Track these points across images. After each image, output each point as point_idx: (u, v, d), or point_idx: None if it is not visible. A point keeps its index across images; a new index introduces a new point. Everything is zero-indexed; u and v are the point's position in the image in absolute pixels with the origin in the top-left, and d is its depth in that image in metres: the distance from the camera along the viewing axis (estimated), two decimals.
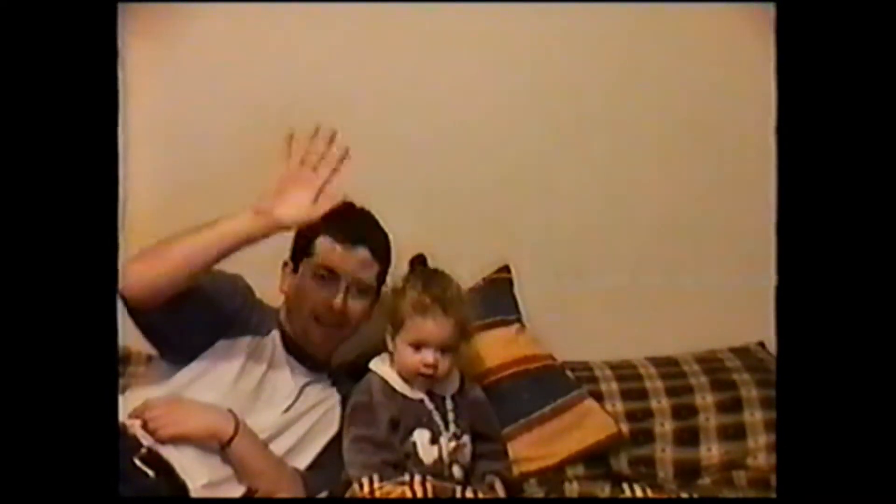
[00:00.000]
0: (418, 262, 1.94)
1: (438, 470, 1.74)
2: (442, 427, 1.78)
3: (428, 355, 1.77)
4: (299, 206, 1.67)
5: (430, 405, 1.79)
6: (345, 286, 1.84)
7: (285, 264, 1.95)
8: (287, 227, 1.72)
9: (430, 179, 2.30)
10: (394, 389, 1.79)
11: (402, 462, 1.73)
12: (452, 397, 1.82)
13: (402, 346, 1.79)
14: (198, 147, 2.23)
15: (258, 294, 1.97)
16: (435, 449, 1.76)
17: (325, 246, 1.86)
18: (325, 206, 1.68)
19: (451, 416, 1.79)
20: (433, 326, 1.77)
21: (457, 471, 1.77)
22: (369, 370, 1.84)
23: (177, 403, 1.76)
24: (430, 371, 1.77)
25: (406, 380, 1.80)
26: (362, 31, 2.26)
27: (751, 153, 1.97)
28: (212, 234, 1.68)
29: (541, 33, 2.29)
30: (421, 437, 1.76)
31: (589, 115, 2.33)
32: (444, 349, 1.78)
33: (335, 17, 2.24)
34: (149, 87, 2.21)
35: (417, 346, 1.77)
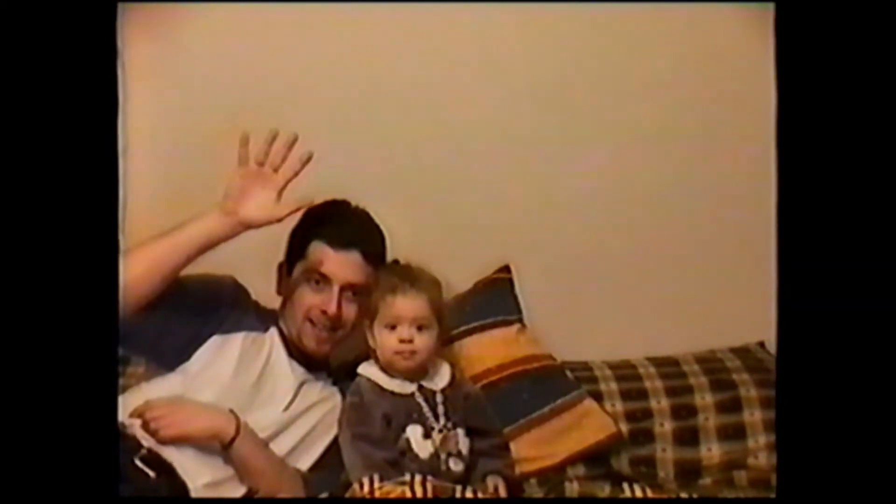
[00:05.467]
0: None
1: (435, 464, 1.74)
2: (433, 421, 1.78)
3: (403, 332, 1.78)
4: (263, 205, 1.75)
5: (419, 399, 1.79)
6: (338, 291, 1.85)
7: (280, 266, 1.95)
8: (253, 227, 1.77)
9: (430, 179, 2.30)
10: (382, 388, 1.80)
11: (399, 459, 1.73)
12: (443, 391, 1.82)
13: (380, 331, 1.80)
14: (198, 147, 2.23)
15: (254, 294, 1.98)
16: (429, 443, 1.76)
17: (317, 250, 1.87)
18: (289, 207, 1.75)
19: (440, 409, 1.79)
20: (404, 301, 1.78)
21: (454, 464, 1.76)
22: (358, 374, 1.84)
23: (178, 404, 1.76)
24: (406, 347, 1.78)
25: (393, 375, 1.80)
26: (362, 32, 2.25)
27: (751, 153, 1.97)
28: (181, 237, 1.75)
29: (540, 32, 2.29)
30: (414, 432, 1.76)
31: (588, 115, 2.33)
32: (419, 326, 1.79)
33: (336, 18, 2.23)
34: (149, 87, 2.21)
35: (393, 327, 1.78)
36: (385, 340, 1.79)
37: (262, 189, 1.75)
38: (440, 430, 1.77)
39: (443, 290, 1.88)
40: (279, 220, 1.77)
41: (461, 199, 2.32)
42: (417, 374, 1.82)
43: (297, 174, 1.75)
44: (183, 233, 1.75)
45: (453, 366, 1.90)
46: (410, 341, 1.78)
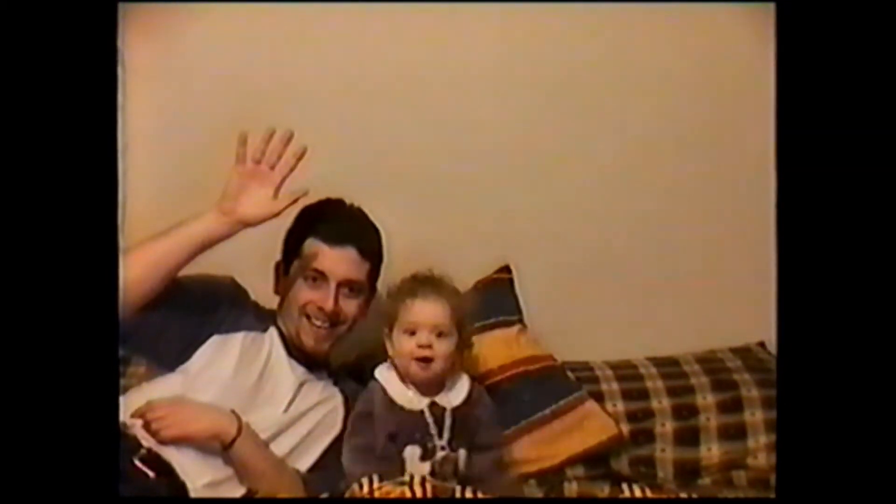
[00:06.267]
0: None
1: None
2: (437, 439, 1.75)
3: (422, 337, 1.76)
4: (260, 203, 1.76)
5: (428, 418, 1.76)
6: (334, 287, 1.85)
7: (277, 266, 1.96)
8: (250, 224, 1.78)
9: (431, 179, 2.30)
10: (393, 402, 1.77)
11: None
12: (455, 409, 1.79)
13: (399, 337, 1.78)
14: (198, 147, 2.23)
15: (253, 295, 1.98)
16: (426, 465, 1.73)
17: (313, 247, 1.87)
18: (285, 201, 1.76)
19: (448, 427, 1.77)
20: (424, 306, 1.77)
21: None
22: (374, 378, 1.82)
23: (179, 405, 1.76)
24: (425, 353, 1.75)
25: (408, 385, 1.78)
26: (361, 31, 2.26)
27: (751, 153, 1.97)
28: (179, 237, 1.76)
29: (541, 32, 2.29)
30: (412, 453, 1.74)
31: (589, 115, 2.33)
32: (439, 333, 1.77)
33: (335, 17, 2.24)
34: (149, 87, 2.21)
35: (412, 332, 1.77)
36: (404, 346, 1.77)
37: (259, 186, 1.77)
38: (442, 448, 1.75)
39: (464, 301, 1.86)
40: (276, 215, 1.78)
41: (461, 199, 2.32)
42: (433, 387, 1.79)
43: (292, 170, 1.76)
44: (181, 232, 1.76)
45: (473, 380, 1.87)
46: (429, 346, 1.75)
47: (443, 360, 1.77)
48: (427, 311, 1.77)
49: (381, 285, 1.98)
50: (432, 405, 1.78)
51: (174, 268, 1.76)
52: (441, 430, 1.77)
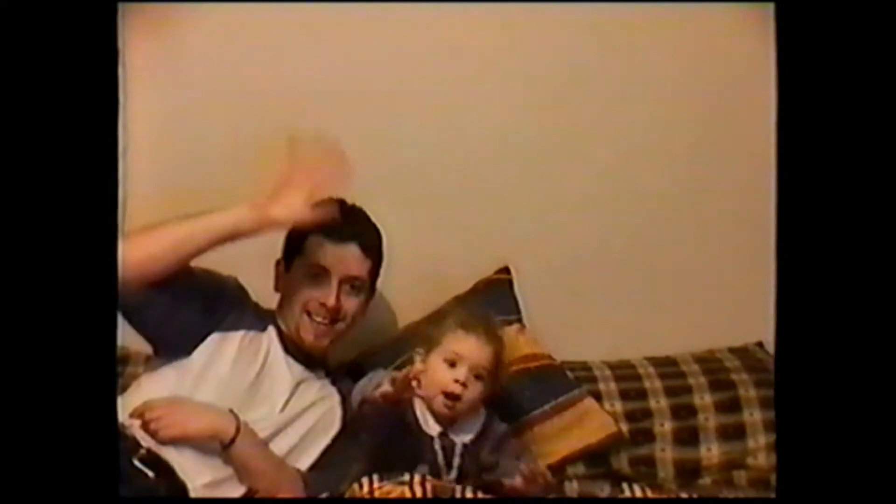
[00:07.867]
0: None
1: None
2: (444, 471, 1.74)
3: (461, 372, 1.74)
4: (292, 206, 1.76)
5: (437, 446, 1.75)
6: (336, 283, 1.85)
7: (278, 263, 1.96)
8: (279, 225, 1.78)
9: (431, 180, 2.30)
10: (416, 419, 1.76)
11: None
12: (465, 445, 1.77)
13: (437, 363, 1.76)
14: (198, 147, 2.23)
15: (254, 295, 1.98)
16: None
17: (315, 244, 1.88)
18: (318, 208, 1.75)
19: (456, 461, 1.75)
20: (475, 343, 1.76)
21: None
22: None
23: (178, 404, 1.76)
24: (458, 390, 1.73)
25: (429, 409, 1.77)
26: (362, 31, 2.26)
27: (750, 153, 1.97)
28: (204, 223, 1.75)
29: (540, 33, 2.29)
30: (421, 472, 1.69)
31: (589, 115, 2.33)
32: (477, 375, 1.76)
33: (334, 17, 2.24)
34: (149, 87, 2.22)
35: (453, 363, 1.76)
36: (440, 375, 1.75)
37: (295, 191, 1.76)
38: (450, 483, 1.70)
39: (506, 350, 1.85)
40: (305, 222, 1.77)
41: (461, 199, 2.32)
42: (449, 420, 1.78)
43: (330, 179, 1.76)
44: (208, 219, 1.75)
45: (490, 412, 1.84)
46: (465, 385, 1.74)
47: (468, 404, 1.76)
48: (475, 350, 1.76)
49: (381, 286, 1.99)
50: (442, 435, 1.77)
51: (193, 252, 1.75)
52: (449, 463, 1.75)
